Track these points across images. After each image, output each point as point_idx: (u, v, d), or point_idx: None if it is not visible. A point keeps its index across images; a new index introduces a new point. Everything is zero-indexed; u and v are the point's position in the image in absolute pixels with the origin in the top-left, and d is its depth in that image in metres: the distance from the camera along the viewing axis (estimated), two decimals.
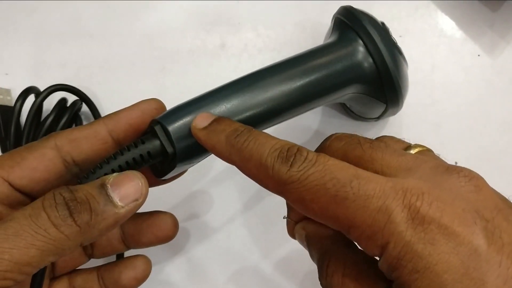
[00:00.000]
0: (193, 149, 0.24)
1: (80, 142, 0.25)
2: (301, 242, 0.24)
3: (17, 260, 0.18)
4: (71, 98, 0.38)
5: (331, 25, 0.33)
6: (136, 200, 0.22)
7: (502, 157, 0.38)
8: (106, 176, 0.22)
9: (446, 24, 0.41)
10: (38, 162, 0.24)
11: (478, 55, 0.40)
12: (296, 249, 0.37)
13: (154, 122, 0.25)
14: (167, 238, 0.30)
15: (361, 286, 0.19)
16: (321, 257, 0.21)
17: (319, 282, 0.21)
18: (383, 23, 0.30)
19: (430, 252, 0.16)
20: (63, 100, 0.37)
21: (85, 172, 0.23)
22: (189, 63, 0.41)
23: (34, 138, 0.35)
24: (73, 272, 0.29)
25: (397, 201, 0.17)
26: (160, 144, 0.24)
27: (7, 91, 0.38)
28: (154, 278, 0.36)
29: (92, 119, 0.38)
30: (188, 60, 0.41)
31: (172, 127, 0.24)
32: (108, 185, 0.21)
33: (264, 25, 0.42)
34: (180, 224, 0.31)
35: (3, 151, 0.36)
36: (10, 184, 0.23)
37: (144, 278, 0.30)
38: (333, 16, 0.33)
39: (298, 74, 0.27)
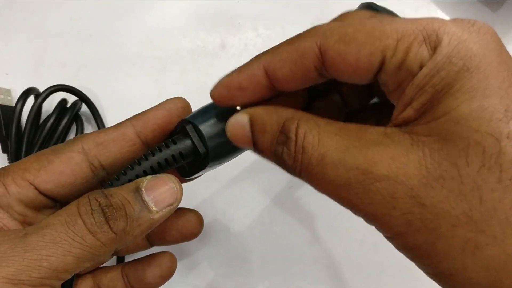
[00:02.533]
0: (225, 148, 0.24)
1: (108, 145, 0.24)
2: (238, 131, 0.22)
3: (55, 268, 0.18)
4: (70, 98, 0.38)
5: None
6: (171, 205, 0.22)
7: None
8: (140, 179, 0.22)
9: None
10: (64, 166, 0.23)
11: None
12: (296, 249, 0.37)
13: (185, 121, 0.24)
14: (192, 235, 0.29)
15: (345, 138, 0.18)
16: (283, 126, 0.20)
17: (282, 160, 0.20)
18: None
19: (484, 53, 0.17)
20: (63, 101, 0.37)
21: (114, 174, 0.23)
22: (189, 63, 0.41)
23: (35, 139, 0.35)
24: (97, 270, 0.29)
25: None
26: (192, 144, 0.23)
27: (8, 91, 0.38)
28: None
29: (92, 119, 0.38)
30: (188, 60, 0.41)
31: (204, 127, 0.23)
32: (143, 189, 0.21)
33: (264, 25, 0.42)
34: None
35: (4, 151, 0.36)
36: (36, 188, 0.23)
37: (169, 275, 0.29)
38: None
39: None
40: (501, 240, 0.16)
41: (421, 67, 0.17)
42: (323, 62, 0.19)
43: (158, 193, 0.21)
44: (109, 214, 0.20)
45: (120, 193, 0.21)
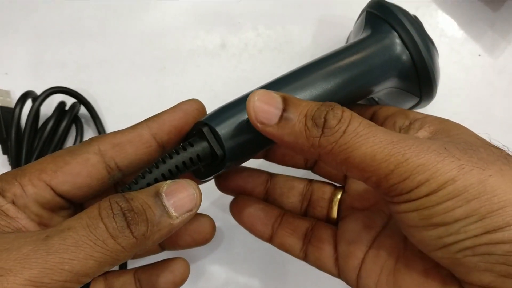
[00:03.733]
0: (241, 150, 0.24)
1: (124, 147, 0.24)
2: (267, 101, 0.22)
3: (77, 271, 0.18)
4: (69, 99, 0.38)
5: (362, 20, 0.32)
6: (190, 210, 0.22)
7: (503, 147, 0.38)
8: (160, 183, 0.22)
9: (447, 24, 0.41)
10: (81, 167, 0.23)
11: (479, 55, 0.40)
12: None
13: (201, 124, 0.24)
14: (205, 241, 0.29)
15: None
16: (325, 103, 0.22)
17: (320, 124, 0.21)
18: (415, 16, 0.30)
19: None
20: (61, 104, 0.37)
21: (130, 176, 0.23)
22: (190, 63, 0.41)
23: (35, 142, 0.35)
24: (109, 273, 0.28)
25: None
26: (209, 146, 0.23)
27: (7, 93, 0.38)
28: None
29: (91, 121, 0.38)
30: (188, 60, 0.41)
31: (221, 128, 0.24)
32: (163, 194, 0.21)
33: (264, 25, 0.42)
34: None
35: (4, 152, 0.36)
36: (53, 189, 0.23)
37: (182, 281, 0.29)
38: (363, 10, 0.32)
39: (340, 70, 0.27)
40: None
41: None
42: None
43: (178, 198, 0.21)
44: (130, 218, 0.19)
45: (141, 198, 0.20)
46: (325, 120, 0.21)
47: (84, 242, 0.18)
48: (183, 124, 0.25)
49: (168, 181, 0.22)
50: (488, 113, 0.39)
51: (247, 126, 0.23)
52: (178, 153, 0.23)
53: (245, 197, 0.29)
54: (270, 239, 0.29)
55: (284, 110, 0.22)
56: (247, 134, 0.24)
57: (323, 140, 0.21)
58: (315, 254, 0.28)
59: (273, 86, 0.26)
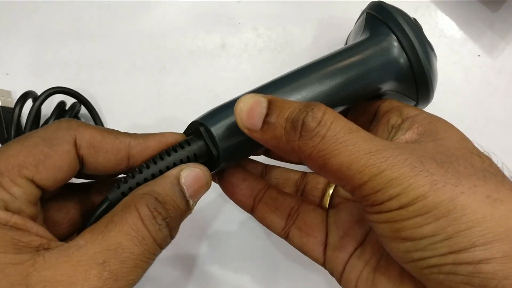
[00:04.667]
0: (235, 151, 0.25)
1: (98, 153, 0.23)
2: (252, 104, 0.22)
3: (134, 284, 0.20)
4: (69, 99, 0.38)
5: (362, 21, 0.32)
6: (201, 195, 0.23)
7: (502, 157, 0.38)
8: (179, 171, 0.22)
9: (446, 24, 0.41)
10: (63, 161, 0.21)
11: (478, 55, 0.40)
12: None
13: (197, 123, 0.25)
14: None
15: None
16: (308, 104, 0.22)
17: (298, 127, 0.21)
18: (415, 19, 0.30)
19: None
20: (61, 104, 0.37)
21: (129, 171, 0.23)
22: (190, 63, 0.41)
23: None
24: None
25: None
26: (205, 145, 0.24)
27: (8, 93, 0.38)
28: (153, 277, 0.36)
29: (91, 120, 0.38)
30: (189, 60, 0.41)
31: (215, 129, 0.24)
32: (184, 187, 0.22)
33: (264, 25, 0.42)
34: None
35: None
36: (35, 184, 0.21)
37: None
38: (363, 11, 0.32)
39: (336, 73, 0.27)
40: None
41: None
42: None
43: (196, 188, 0.23)
44: (171, 226, 0.21)
45: (171, 197, 0.22)
46: (303, 123, 0.20)
47: (142, 261, 0.20)
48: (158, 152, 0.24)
49: (186, 170, 0.23)
50: (487, 113, 0.39)
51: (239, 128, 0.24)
52: (176, 151, 0.23)
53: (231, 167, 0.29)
54: (252, 211, 0.29)
55: (267, 114, 0.22)
56: (241, 136, 0.24)
57: (302, 143, 0.21)
58: (302, 239, 0.28)
59: (268, 87, 0.26)
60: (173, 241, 0.31)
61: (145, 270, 0.21)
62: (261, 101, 0.22)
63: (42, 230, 0.20)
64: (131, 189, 0.22)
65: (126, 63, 0.41)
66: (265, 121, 0.22)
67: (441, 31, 0.41)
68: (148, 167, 0.23)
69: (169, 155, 0.23)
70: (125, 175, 0.23)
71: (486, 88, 0.40)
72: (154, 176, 0.23)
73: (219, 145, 0.24)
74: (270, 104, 0.22)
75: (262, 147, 0.26)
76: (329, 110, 0.21)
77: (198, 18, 0.42)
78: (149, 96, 0.40)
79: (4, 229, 0.19)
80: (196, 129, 0.24)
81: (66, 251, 0.19)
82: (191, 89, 0.40)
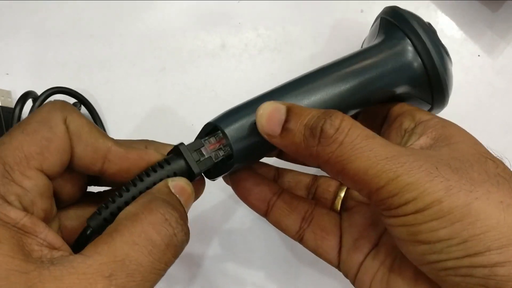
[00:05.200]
0: (248, 152, 0.25)
1: (79, 143, 0.22)
2: (272, 111, 0.23)
3: None
4: (69, 100, 0.38)
5: (377, 26, 0.32)
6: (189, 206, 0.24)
7: (502, 157, 0.38)
8: (169, 185, 0.22)
9: (446, 24, 0.41)
10: (64, 142, 0.21)
11: (478, 56, 0.40)
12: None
13: (211, 124, 0.25)
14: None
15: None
16: (326, 111, 0.22)
17: (317, 134, 0.21)
18: (429, 24, 0.30)
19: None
20: None
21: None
22: (190, 63, 0.41)
23: None
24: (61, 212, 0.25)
25: None
26: (185, 163, 0.24)
27: (8, 93, 0.38)
28: None
29: (91, 120, 0.38)
30: (189, 60, 0.41)
31: (228, 130, 0.24)
32: (178, 196, 0.23)
33: (264, 25, 0.42)
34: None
35: None
36: (44, 173, 0.20)
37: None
38: (378, 16, 0.32)
39: (350, 76, 0.27)
40: None
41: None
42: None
43: (185, 198, 0.23)
44: (186, 227, 0.21)
45: (177, 202, 0.22)
46: (322, 130, 0.21)
47: (152, 274, 0.19)
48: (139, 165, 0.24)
49: (171, 182, 0.23)
50: (487, 113, 0.39)
51: (253, 130, 0.24)
52: (155, 171, 0.23)
53: (244, 170, 0.29)
54: (266, 215, 0.30)
55: (286, 121, 0.23)
56: (254, 138, 0.25)
57: (320, 149, 0.21)
58: (316, 241, 0.28)
59: (283, 89, 0.26)
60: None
61: (155, 283, 0.19)
62: (280, 108, 0.23)
63: (51, 235, 0.19)
64: (112, 214, 0.21)
65: (126, 63, 0.41)
66: (284, 127, 0.23)
67: (441, 31, 0.41)
68: (128, 190, 0.22)
69: (148, 175, 0.23)
70: (104, 202, 0.22)
71: (486, 88, 0.40)
72: (134, 199, 0.22)
73: (233, 147, 0.24)
74: (289, 111, 0.23)
75: (275, 150, 0.26)
76: (346, 117, 0.22)
77: (198, 18, 0.42)
78: (149, 96, 0.40)
79: (13, 231, 0.18)
80: (176, 147, 0.24)
81: (71, 263, 0.18)
82: (191, 89, 0.40)
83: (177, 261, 0.35)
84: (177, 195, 0.22)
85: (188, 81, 0.40)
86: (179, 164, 0.24)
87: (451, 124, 0.25)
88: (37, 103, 0.35)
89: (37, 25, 0.42)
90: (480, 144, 0.23)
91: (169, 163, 0.24)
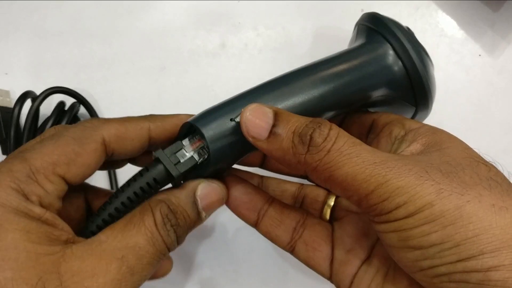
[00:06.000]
0: (225, 153, 0.25)
1: (125, 142, 0.25)
2: (258, 115, 0.23)
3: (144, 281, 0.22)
4: (68, 99, 0.38)
5: (355, 33, 0.32)
6: (215, 210, 0.25)
7: (503, 157, 0.37)
8: (196, 184, 0.25)
9: (447, 24, 0.41)
10: (91, 159, 0.23)
11: (479, 55, 0.40)
12: None
13: (188, 124, 0.25)
14: (161, 275, 0.30)
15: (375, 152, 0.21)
16: (314, 119, 0.22)
17: (306, 142, 0.21)
18: (408, 28, 0.30)
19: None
20: (61, 104, 0.37)
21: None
22: (189, 62, 0.41)
23: None
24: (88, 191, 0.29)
25: None
26: (164, 168, 0.24)
27: (7, 93, 0.38)
28: None
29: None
30: (188, 60, 0.41)
31: (206, 130, 0.24)
32: (198, 199, 0.24)
33: (264, 25, 0.42)
34: None
35: (3, 152, 0.36)
36: (66, 181, 0.23)
37: (162, 275, 0.30)
38: (356, 24, 0.32)
39: (330, 77, 0.27)
40: None
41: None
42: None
43: (210, 201, 0.25)
44: (178, 233, 0.23)
45: (183, 207, 0.24)
46: (311, 138, 0.21)
47: (154, 260, 0.22)
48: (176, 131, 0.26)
49: (203, 183, 0.25)
50: (488, 113, 0.39)
51: (231, 130, 0.24)
52: (135, 180, 0.24)
53: (233, 179, 0.29)
54: (256, 225, 0.29)
55: (274, 125, 0.22)
56: (231, 138, 0.24)
57: (308, 157, 0.21)
58: (308, 253, 0.28)
59: (262, 89, 0.26)
60: (183, 245, 0.31)
61: (155, 268, 0.23)
62: (267, 112, 0.23)
63: (66, 226, 0.22)
64: (98, 227, 0.23)
65: (125, 63, 0.41)
66: (272, 132, 0.22)
67: (442, 30, 0.41)
68: (110, 202, 0.24)
69: (128, 185, 0.24)
70: (90, 216, 0.24)
71: (487, 88, 0.40)
72: (117, 210, 0.23)
73: (210, 147, 0.24)
74: (276, 115, 0.23)
75: (253, 151, 0.26)
76: (334, 126, 0.22)
77: (198, 17, 0.42)
78: (149, 96, 0.40)
79: (39, 223, 0.20)
80: (153, 154, 0.24)
81: (89, 245, 0.21)
82: (191, 88, 0.40)
83: (177, 261, 0.35)
84: (199, 199, 0.24)
85: (188, 80, 0.40)
86: (158, 169, 0.24)
87: (442, 131, 0.25)
88: (36, 103, 0.35)
89: (36, 25, 0.42)
90: (471, 149, 0.23)
91: (147, 170, 0.24)
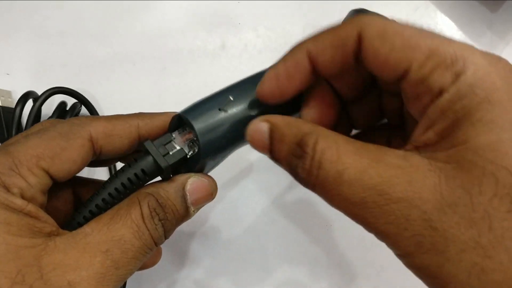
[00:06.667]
0: (216, 145, 0.24)
1: (114, 139, 0.24)
2: (257, 136, 0.22)
3: (129, 275, 0.22)
4: (70, 100, 0.38)
5: None
6: (203, 205, 0.25)
7: None
8: (186, 178, 0.24)
9: (446, 24, 0.41)
10: (77, 154, 0.23)
11: None
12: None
13: (178, 116, 0.25)
14: (150, 265, 0.30)
15: (364, 158, 0.18)
16: (301, 140, 0.20)
17: (295, 173, 0.20)
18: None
19: (507, 88, 0.17)
20: (62, 104, 0.37)
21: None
22: (190, 63, 0.41)
23: None
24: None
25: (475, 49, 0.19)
26: (152, 159, 0.23)
27: (8, 93, 0.39)
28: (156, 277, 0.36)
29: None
30: (189, 60, 0.41)
31: (196, 122, 0.23)
32: (188, 193, 0.24)
33: (264, 25, 0.42)
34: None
35: None
36: (49, 175, 0.22)
37: (151, 265, 0.30)
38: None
39: None
40: (507, 266, 0.16)
41: (440, 90, 0.18)
42: (359, 50, 0.20)
43: (199, 196, 0.24)
44: (166, 227, 0.23)
45: (171, 202, 0.23)
46: (297, 173, 0.20)
47: (140, 254, 0.22)
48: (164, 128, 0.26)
49: (193, 177, 0.24)
50: None
51: (221, 122, 0.24)
52: (123, 171, 0.23)
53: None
54: None
55: (271, 145, 0.21)
56: (221, 130, 0.24)
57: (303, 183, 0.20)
58: None
59: (252, 80, 0.25)
60: (176, 241, 0.31)
61: (141, 262, 0.22)
62: (263, 132, 0.22)
63: (50, 219, 0.21)
64: (85, 218, 0.23)
65: (126, 63, 0.41)
66: (271, 153, 0.22)
67: (441, 31, 0.41)
68: (98, 193, 0.23)
69: (116, 176, 0.23)
70: (77, 209, 0.24)
71: None
72: (104, 201, 0.23)
73: (200, 139, 0.23)
74: (271, 133, 0.21)
75: (244, 144, 0.25)
76: (317, 151, 0.19)
77: (198, 18, 0.42)
78: (150, 96, 0.40)
79: (20, 215, 0.20)
80: (142, 145, 0.24)
81: (73, 238, 0.21)
82: (191, 89, 0.40)
83: (177, 261, 0.35)
84: (188, 193, 0.24)
85: (188, 81, 0.41)
86: (147, 160, 0.23)
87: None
88: (38, 103, 0.35)
89: (37, 25, 0.42)
90: None
91: (136, 161, 0.23)
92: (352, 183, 0.18)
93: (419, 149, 0.19)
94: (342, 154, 0.19)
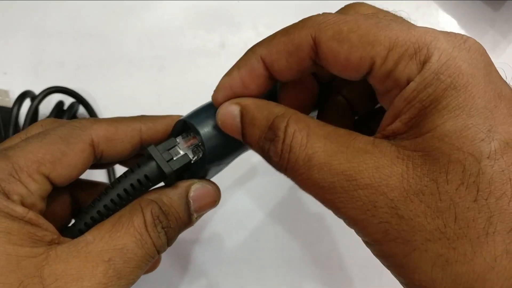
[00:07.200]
0: (220, 151, 0.24)
1: (115, 143, 0.24)
2: (228, 120, 0.21)
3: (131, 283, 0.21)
4: (67, 99, 0.38)
5: None
6: (206, 212, 0.24)
7: None
8: (189, 185, 0.23)
9: (448, 23, 0.41)
10: (78, 159, 0.22)
11: None
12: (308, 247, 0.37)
13: (181, 122, 0.24)
14: (149, 271, 0.29)
15: (334, 143, 0.18)
16: (273, 123, 0.19)
17: (269, 157, 0.20)
18: None
19: (473, 72, 0.17)
20: (60, 103, 0.37)
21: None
22: (189, 62, 0.41)
23: None
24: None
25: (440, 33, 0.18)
26: (156, 165, 0.23)
27: (6, 92, 0.38)
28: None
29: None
30: (188, 60, 0.41)
31: (201, 127, 0.23)
32: (191, 200, 0.23)
33: (264, 24, 0.41)
34: None
35: None
36: (49, 180, 0.22)
37: (150, 271, 0.29)
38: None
39: None
40: (470, 258, 0.16)
41: (408, 81, 0.17)
42: (316, 53, 0.19)
43: (202, 204, 0.23)
44: (169, 235, 0.22)
45: (175, 209, 0.23)
46: (270, 157, 0.20)
47: (143, 263, 0.21)
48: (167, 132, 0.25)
49: (196, 184, 0.23)
50: None
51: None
52: (126, 176, 0.23)
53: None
54: None
55: (243, 128, 0.21)
56: (227, 135, 0.23)
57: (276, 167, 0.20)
58: None
59: None
60: (176, 244, 0.31)
61: (143, 270, 0.22)
62: (235, 115, 0.21)
63: (50, 226, 0.21)
64: (86, 225, 0.22)
65: (124, 62, 0.41)
66: (243, 137, 0.21)
67: (443, 30, 0.41)
68: (99, 199, 0.23)
69: (119, 181, 0.23)
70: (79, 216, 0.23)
71: None
72: (106, 207, 0.22)
73: (205, 144, 0.23)
74: (242, 117, 0.21)
75: (249, 149, 0.25)
76: (288, 134, 0.19)
77: (198, 17, 0.42)
78: (148, 96, 0.40)
79: (21, 223, 0.20)
80: (146, 149, 0.23)
81: (75, 246, 0.20)
82: (190, 88, 0.40)
83: (177, 261, 0.35)
84: (192, 200, 0.23)
85: (188, 80, 0.40)
86: (150, 165, 0.23)
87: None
88: (35, 103, 0.34)
89: (35, 25, 0.41)
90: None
91: (139, 166, 0.23)
92: (321, 167, 0.18)
93: (388, 138, 0.18)
94: (312, 138, 0.18)
